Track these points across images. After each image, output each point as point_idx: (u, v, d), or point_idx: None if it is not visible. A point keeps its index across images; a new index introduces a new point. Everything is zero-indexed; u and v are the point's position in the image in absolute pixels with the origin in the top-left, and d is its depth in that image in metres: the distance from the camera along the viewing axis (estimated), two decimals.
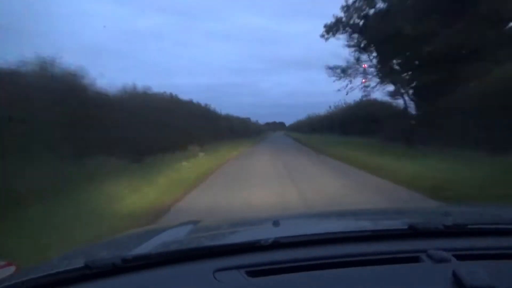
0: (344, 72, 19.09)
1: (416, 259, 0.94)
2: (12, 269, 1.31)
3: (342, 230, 1.34)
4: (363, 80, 18.90)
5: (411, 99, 17.22)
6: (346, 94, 19.74)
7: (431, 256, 0.92)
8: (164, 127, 14.32)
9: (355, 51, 18.83)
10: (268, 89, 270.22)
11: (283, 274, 0.90)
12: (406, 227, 1.12)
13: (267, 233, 1.23)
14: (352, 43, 18.70)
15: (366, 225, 1.56)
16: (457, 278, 0.77)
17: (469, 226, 1.16)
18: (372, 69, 18.86)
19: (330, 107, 41.29)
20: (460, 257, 0.93)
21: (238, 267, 0.94)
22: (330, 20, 18.67)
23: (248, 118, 63.07)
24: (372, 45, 17.95)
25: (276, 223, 1.34)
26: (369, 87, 18.90)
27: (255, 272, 0.91)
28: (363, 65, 18.78)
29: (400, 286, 0.84)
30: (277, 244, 1.04)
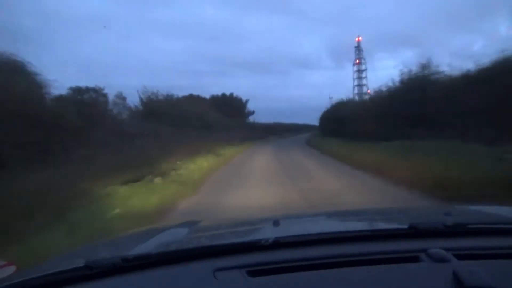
0: None
1: (416, 259, 0.94)
2: (12, 268, 1.31)
3: (342, 230, 1.34)
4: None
5: None
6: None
7: (431, 255, 0.92)
8: None
9: None
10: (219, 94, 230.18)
11: (283, 273, 0.90)
12: (406, 226, 1.12)
13: (267, 233, 1.23)
14: None
15: (366, 225, 1.56)
16: (457, 278, 0.77)
17: (469, 226, 1.16)
18: None
19: None
20: (460, 257, 0.93)
21: (238, 267, 0.94)
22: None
23: None
24: None
25: (276, 223, 1.34)
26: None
27: (255, 271, 0.91)
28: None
29: (401, 286, 0.84)
30: (277, 244, 1.04)
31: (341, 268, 0.91)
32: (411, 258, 0.95)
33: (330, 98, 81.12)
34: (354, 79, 63.57)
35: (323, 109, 39.92)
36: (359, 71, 61.29)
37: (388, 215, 1.88)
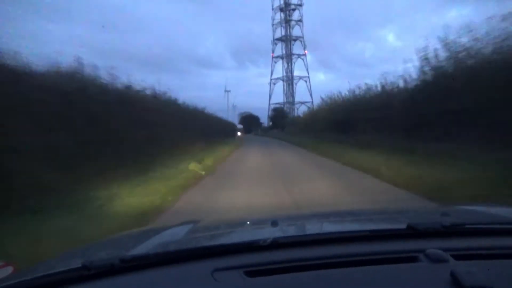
0: None
1: (414, 259, 0.94)
2: (10, 269, 1.30)
3: (340, 230, 1.34)
4: None
5: None
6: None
7: (429, 256, 0.93)
8: None
9: None
10: None
11: (282, 274, 0.90)
12: (404, 227, 1.13)
13: (266, 233, 1.23)
14: None
15: (364, 225, 1.56)
16: (455, 278, 0.78)
17: (467, 226, 1.16)
18: None
19: None
20: (458, 257, 0.93)
21: (236, 267, 0.94)
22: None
23: None
24: None
25: (274, 223, 1.34)
26: None
27: (253, 272, 0.91)
28: None
29: (399, 286, 0.84)
30: (275, 244, 1.04)
31: (339, 268, 0.92)
32: (409, 258, 0.95)
33: (227, 91, 79.85)
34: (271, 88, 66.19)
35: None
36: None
37: (386, 215, 1.88)
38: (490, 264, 0.92)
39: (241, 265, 0.95)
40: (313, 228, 1.58)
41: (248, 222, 1.78)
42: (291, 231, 1.46)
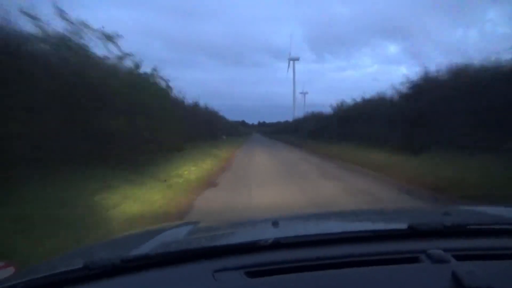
0: None
1: (415, 260, 0.94)
2: (11, 269, 1.31)
3: (341, 230, 1.34)
4: None
5: None
6: None
7: (431, 256, 0.92)
8: None
9: None
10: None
11: (283, 274, 0.90)
12: (405, 227, 1.13)
13: (267, 234, 1.23)
14: None
15: (365, 225, 1.56)
16: (456, 278, 0.77)
17: (468, 227, 1.16)
18: None
19: None
20: (459, 258, 0.93)
21: (237, 268, 0.93)
22: None
23: None
24: None
25: (275, 223, 1.34)
26: None
27: (254, 272, 0.91)
28: None
29: (400, 287, 0.84)
30: (276, 245, 1.04)
31: (341, 269, 0.91)
32: (411, 258, 0.95)
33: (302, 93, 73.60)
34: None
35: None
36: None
37: (388, 215, 1.88)
38: (491, 265, 0.92)
39: (242, 266, 0.95)
40: (314, 228, 1.58)
41: (249, 223, 1.78)
42: (292, 231, 1.45)
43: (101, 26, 8.04)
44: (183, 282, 0.92)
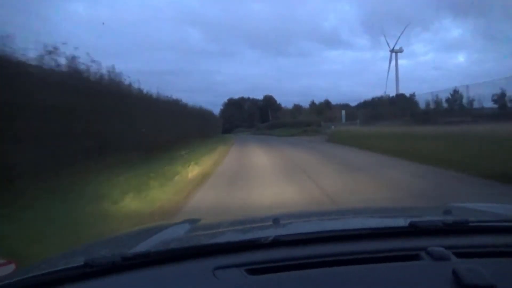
0: None
1: (416, 257, 0.94)
2: (12, 267, 1.31)
3: (342, 228, 1.34)
4: None
5: None
6: None
7: (431, 253, 0.92)
8: None
9: None
10: (224, 83, 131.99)
11: (283, 272, 0.90)
12: (406, 225, 1.13)
13: (267, 231, 1.23)
14: None
15: (366, 223, 1.56)
16: (457, 276, 0.77)
17: (469, 224, 1.16)
18: None
19: None
20: (460, 255, 0.93)
21: (238, 265, 0.94)
22: None
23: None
24: None
25: (276, 221, 1.34)
26: None
27: (255, 270, 0.91)
28: None
29: (400, 284, 0.84)
30: (277, 242, 1.04)
31: (341, 266, 0.92)
32: (411, 256, 0.95)
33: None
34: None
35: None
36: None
37: (388, 213, 1.88)
38: (492, 262, 0.92)
39: (243, 263, 0.95)
40: (314, 226, 1.58)
41: (249, 220, 1.78)
42: (292, 229, 1.46)
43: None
44: (183, 280, 0.92)
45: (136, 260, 0.99)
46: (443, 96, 23.04)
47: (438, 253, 0.92)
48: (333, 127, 30.95)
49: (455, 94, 23.05)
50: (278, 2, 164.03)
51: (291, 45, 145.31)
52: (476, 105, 20.99)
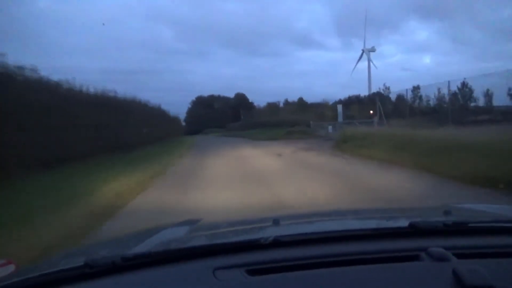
0: None
1: (416, 258, 0.94)
2: (11, 267, 1.31)
3: (342, 228, 1.34)
4: None
5: None
6: None
7: (431, 254, 0.92)
8: None
9: None
10: (196, 83, 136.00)
11: (283, 272, 0.90)
12: (406, 225, 1.12)
13: (267, 232, 1.23)
14: None
15: (366, 223, 1.56)
16: (457, 277, 0.77)
17: (469, 225, 1.16)
18: None
19: None
20: (460, 256, 0.93)
21: (238, 266, 0.94)
22: None
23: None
24: None
25: (276, 221, 1.34)
26: None
27: (255, 270, 0.91)
28: None
29: (400, 285, 0.84)
30: (277, 243, 1.04)
31: (341, 267, 0.91)
32: (411, 257, 0.95)
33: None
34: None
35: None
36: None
37: (388, 214, 1.88)
38: (492, 263, 0.92)
39: (243, 264, 0.95)
40: (314, 226, 1.58)
41: (249, 221, 1.78)
42: (292, 229, 1.45)
43: None
44: (183, 280, 0.92)
45: (136, 260, 0.99)
46: (444, 91, 19.63)
47: (438, 254, 0.92)
48: (330, 127, 24.08)
49: (464, 88, 20.37)
50: (251, 1, 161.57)
51: (264, 45, 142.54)
52: (481, 100, 18.59)
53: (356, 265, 0.92)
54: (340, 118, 26.07)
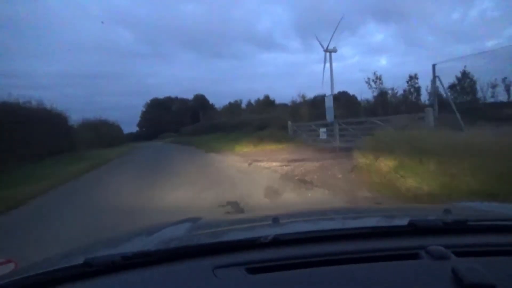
0: None
1: (415, 256, 0.94)
2: (11, 266, 1.31)
3: (341, 227, 1.34)
4: None
5: None
6: None
7: (431, 253, 0.92)
8: None
9: None
10: (157, 86, 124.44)
11: (283, 271, 0.90)
12: (405, 224, 1.12)
13: (267, 231, 1.23)
14: None
15: (365, 222, 1.56)
16: (456, 275, 0.77)
17: (468, 223, 1.16)
18: None
19: None
20: (459, 254, 0.93)
21: (237, 264, 0.94)
22: None
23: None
24: None
25: (275, 220, 1.34)
26: None
27: (254, 269, 0.91)
28: None
29: (400, 283, 0.84)
30: (276, 241, 1.04)
31: (341, 265, 0.92)
32: (411, 255, 0.95)
33: None
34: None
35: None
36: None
37: (388, 212, 1.88)
38: (492, 261, 0.92)
39: (242, 262, 0.95)
40: (314, 225, 1.58)
41: (249, 220, 1.78)
42: (292, 228, 1.46)
43: None
44: (183, 279, 0.92)
45: (136, 259, 0.99)
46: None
47: (437, 252, 0.92)
48: (324, 130, 15.23)
49: (464, 78, 18.32)
50: (212, 3, 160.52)
51: (226, 48, 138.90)
52: (480, 94, 16.67)
53: (356, 264, 0.92)
54: (330, 116, 15.84)
